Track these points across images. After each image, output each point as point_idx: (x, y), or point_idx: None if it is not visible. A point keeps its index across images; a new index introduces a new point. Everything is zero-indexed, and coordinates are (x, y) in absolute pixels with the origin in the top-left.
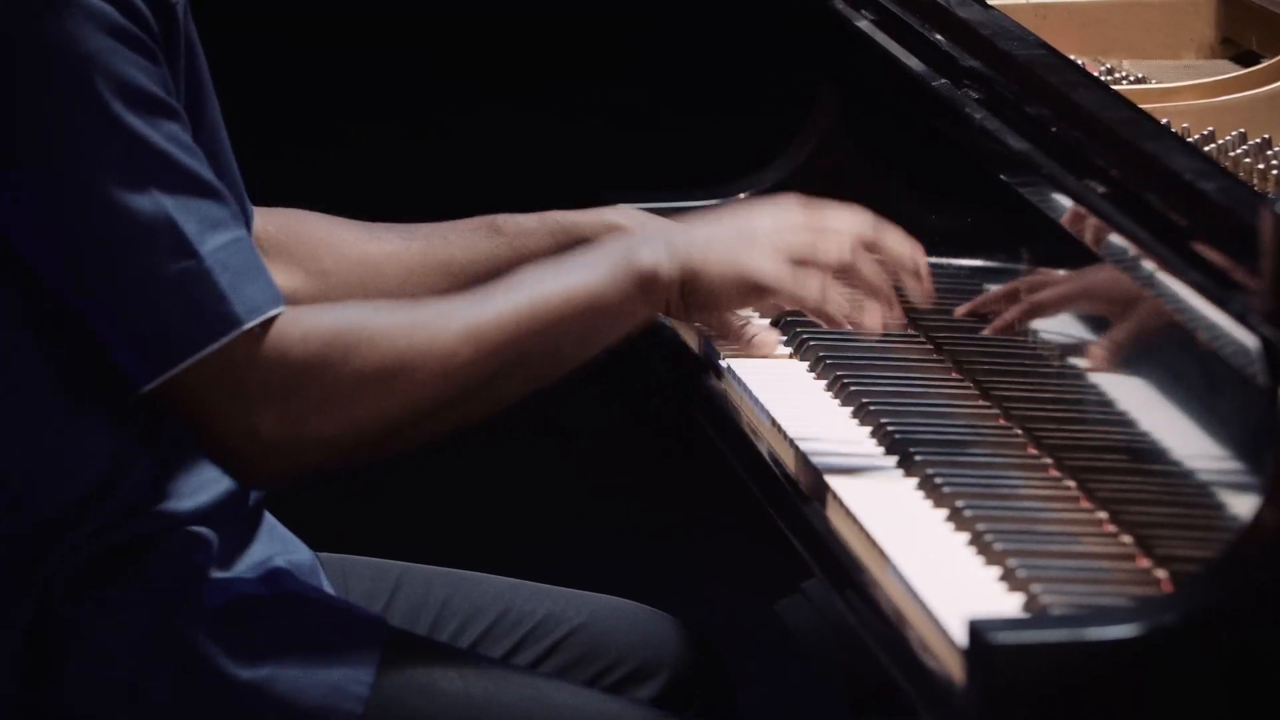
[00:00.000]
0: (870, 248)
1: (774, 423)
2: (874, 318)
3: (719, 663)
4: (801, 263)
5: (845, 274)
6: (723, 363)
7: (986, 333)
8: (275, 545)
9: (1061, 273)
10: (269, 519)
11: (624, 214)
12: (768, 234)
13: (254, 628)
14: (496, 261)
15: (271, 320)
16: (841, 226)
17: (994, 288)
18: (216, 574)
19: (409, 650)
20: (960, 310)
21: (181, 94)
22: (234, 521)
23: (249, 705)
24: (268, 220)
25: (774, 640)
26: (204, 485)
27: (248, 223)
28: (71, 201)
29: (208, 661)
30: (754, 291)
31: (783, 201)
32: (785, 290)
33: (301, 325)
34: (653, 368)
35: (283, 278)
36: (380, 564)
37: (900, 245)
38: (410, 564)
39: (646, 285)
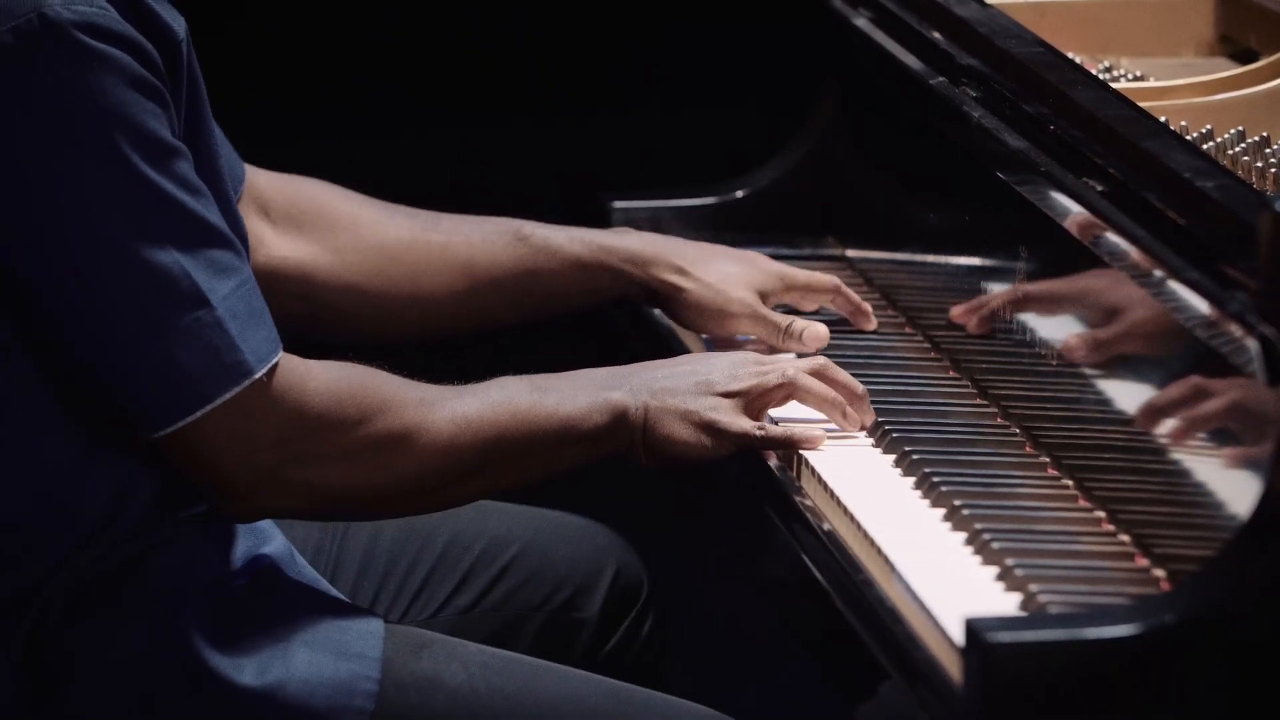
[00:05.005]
0: (819, 375)
1: (773, 422)
2: (821, 434)
3: (652, 576)
4: (747, 398)
5: (794, 393)
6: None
7: (975, 323)
8: (253, 536)
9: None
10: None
11: (646, 242)
12: (717, 373)
13: (256, 634)
14: (517, 272)
15: (275, 367)
16: (780, 366)
17: (992, 286)
18: (211, 578)
19: (410, 645)
20: (956, 312)
21: (182, 124)
22: (227, 528)
23: (260, 711)
24: (286, 186)
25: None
26: (198, 498)
27: (243, 239)
28: (88, 254)
29: (215, 672)
30: (708, 432)
31: (734, 355)
32: (732, 432)
33: (318, 378)
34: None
35: (298, 248)
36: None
37: (846, 377)
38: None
39: (617, 420)
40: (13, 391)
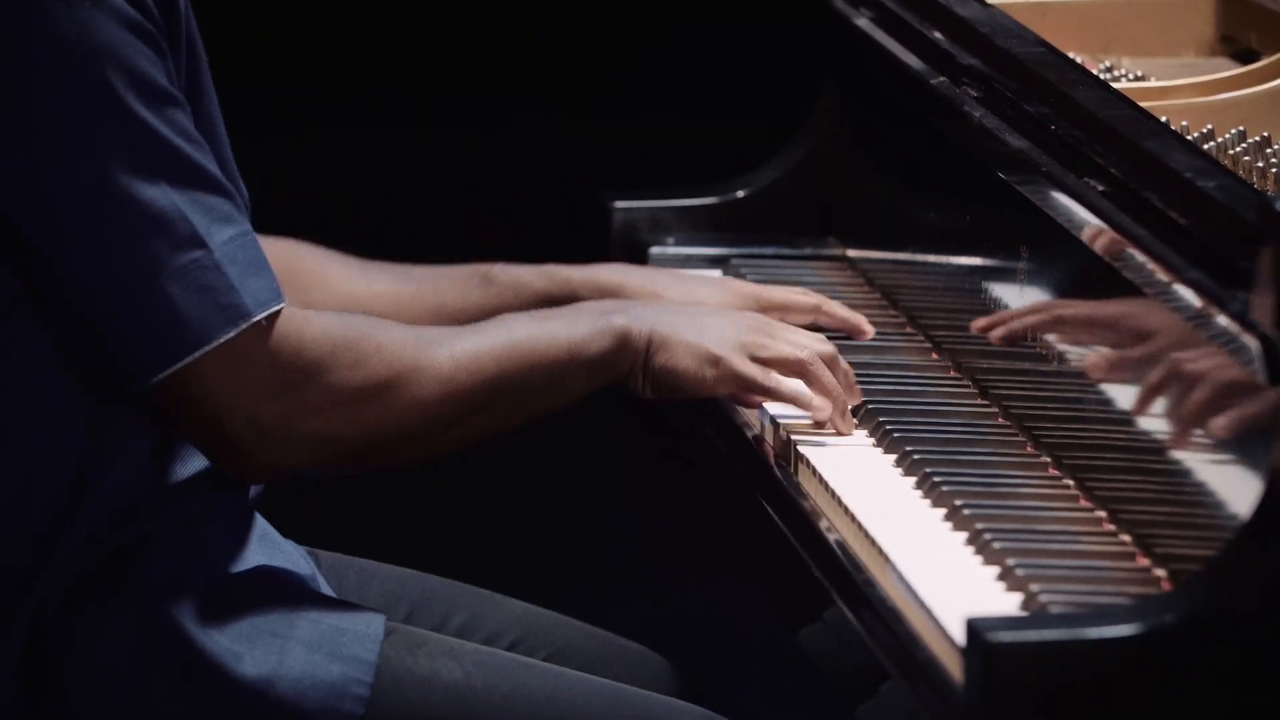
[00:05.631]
0: (828, 363)
1: (773, 421)
2: (822, 415)
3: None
4: (755, 356)
5: (803, 370)
6: None
7: (993, 336)
8: (269, 551)
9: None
10: (261, 523)
11: (616, 271)
12: (729, 324)
13: (252, 627)
14: (486, 311)
15: (276, 315)
16: (798, 339)
17: (993, 286)
18: (212, 574)
19: (407, 643)
20: (979, 324)
21: (182, 86)
22: (226, 525)
23: (251, 707)
24: (265, 247)
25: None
26: (196, 488)
27: (250, 216)
28: (83, 193)
29: (208, 661)
30: (710, 364)
31: (743, 311)
32: (735, 370)
33: (314, 325)
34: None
35: None
36: (400, 573)
37: (846, 369)
38: (429, 575)
39: (620, 342)
40: (14, 367)
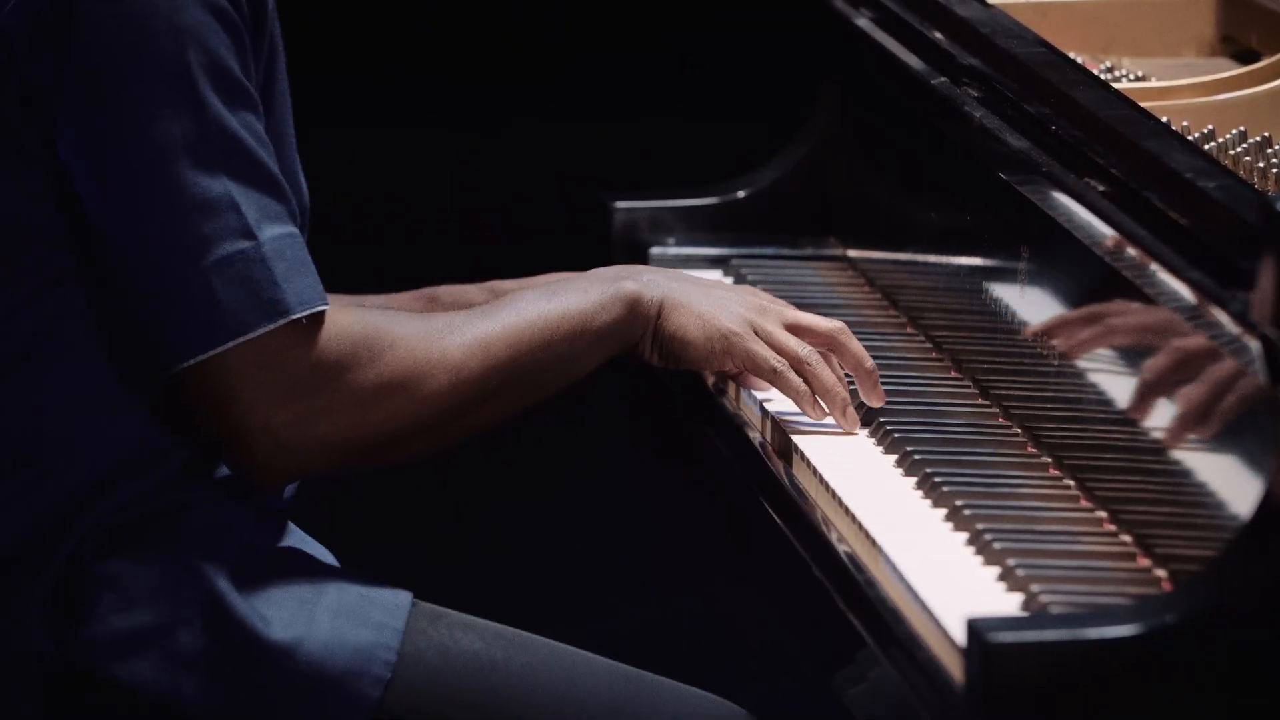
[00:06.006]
0: (832, 347)
1: (774, 420)
2: (817, 415)
3: None
4: (765, 335)
5: (800, 369)
6: None
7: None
8: (298, 543)
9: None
10: (293, 528)
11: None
12: (740, 301)
13: (282, 590)
14: None
15: (318, 316)
16: (805, 322)
17: (993, 286)
18: (245, 540)
19: (428, 616)
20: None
21: (259, 84)
22: (260, 507)
23: (277, 667)
24: None
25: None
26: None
27: (304, 224)
28: (143, 168)
29: (236, 620)
30: (719, 338)
31: (754, 289)
32: (745, 347)
33: (333, 323)
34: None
35: None
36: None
37: (859, 348)
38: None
39: (630, 309)
40: (61, 327)
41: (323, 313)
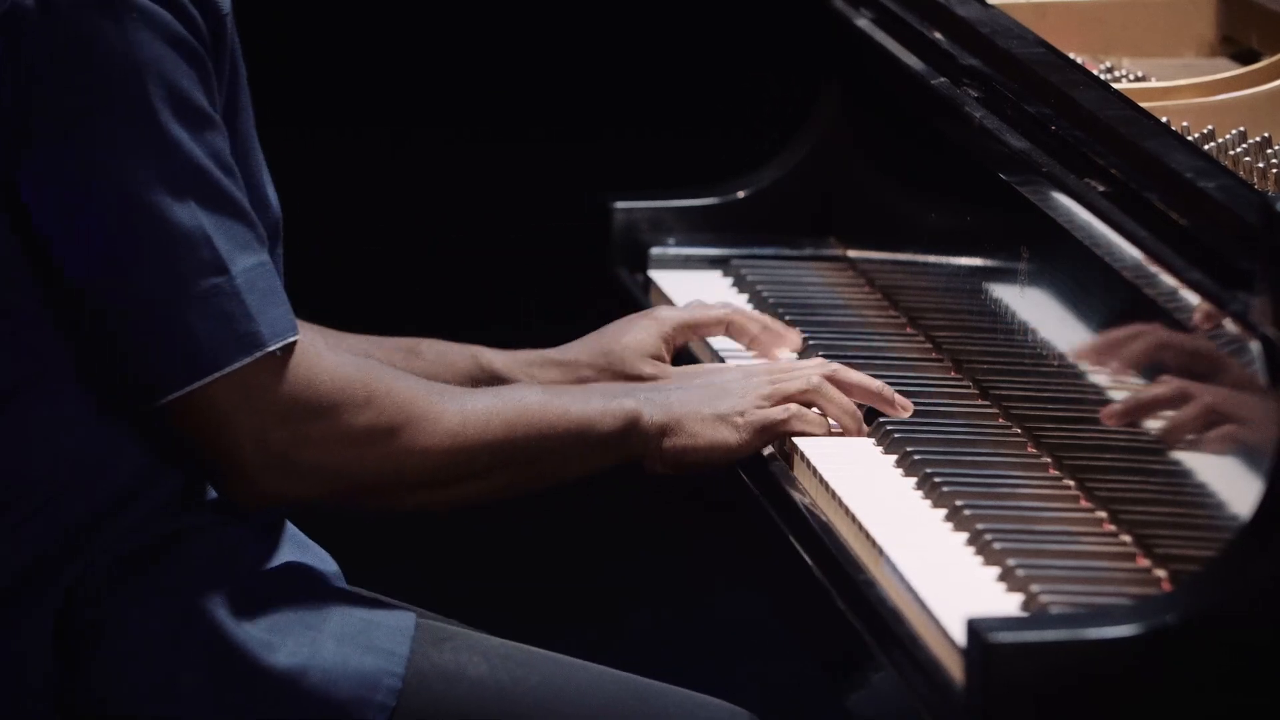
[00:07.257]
0: (833, 382)
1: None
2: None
3: None
4: (771, 398)
5: (812, 399)
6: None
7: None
8: (298, 551)
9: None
10: (290, 527)
11: (549, 354)
12: (737, 383)
13: (284, 619)
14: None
15: (290, 346)
16: (802, 364)
17: (993, 286)
18: (246, 567)
19: (432, 638)
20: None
21: (221, 104)
22: (259, 527)
23: (282, 697)
24: None
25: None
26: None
27: (276, 236)
28: (111, 207)
29: (240, 651)
30: (732, 426)
31: (746, 366)
32: (760, 418)
33: (327, 361)
34: None
35: None
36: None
37: (861, 377)
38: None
39: (629, 426)
40: (43, 363)
41: (294, 343)
